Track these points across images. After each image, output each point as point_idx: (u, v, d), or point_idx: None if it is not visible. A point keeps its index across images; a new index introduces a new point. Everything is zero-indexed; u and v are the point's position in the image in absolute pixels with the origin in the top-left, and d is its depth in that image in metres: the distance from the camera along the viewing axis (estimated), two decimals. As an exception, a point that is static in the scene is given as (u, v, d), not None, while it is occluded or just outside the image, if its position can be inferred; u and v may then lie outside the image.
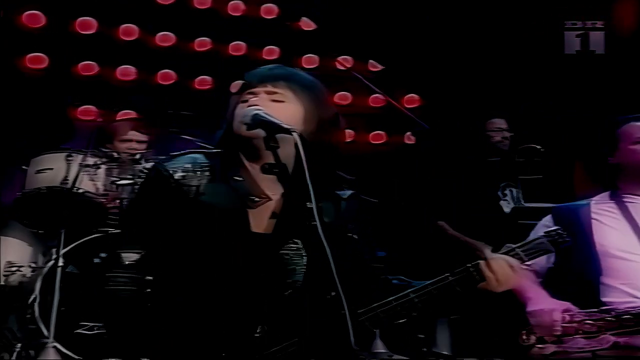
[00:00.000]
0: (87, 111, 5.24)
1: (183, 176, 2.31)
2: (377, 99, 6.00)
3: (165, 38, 5.78)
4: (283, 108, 2.32)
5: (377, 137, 6.22)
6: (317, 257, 2.19)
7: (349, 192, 2.46)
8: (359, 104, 6.11)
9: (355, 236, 2.42)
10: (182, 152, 2.42)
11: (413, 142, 6.09)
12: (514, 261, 2.43)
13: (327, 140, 2.37)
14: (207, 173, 2.33)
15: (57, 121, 5.25)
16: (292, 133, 2.19)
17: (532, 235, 2.93)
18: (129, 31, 5.67)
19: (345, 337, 2.03)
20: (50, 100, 5.26)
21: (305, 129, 2.32)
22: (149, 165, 4.53)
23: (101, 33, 5.58)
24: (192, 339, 2.26)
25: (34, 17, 5.36)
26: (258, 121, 2.25)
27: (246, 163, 2.35)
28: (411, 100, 6.09)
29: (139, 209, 2.42)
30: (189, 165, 2.34)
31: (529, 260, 2.51)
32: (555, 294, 3.21)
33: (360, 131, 6.17)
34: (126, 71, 5.68)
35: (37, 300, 4.05)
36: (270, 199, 2.34)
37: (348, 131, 6.08)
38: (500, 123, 4.97)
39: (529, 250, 2.50)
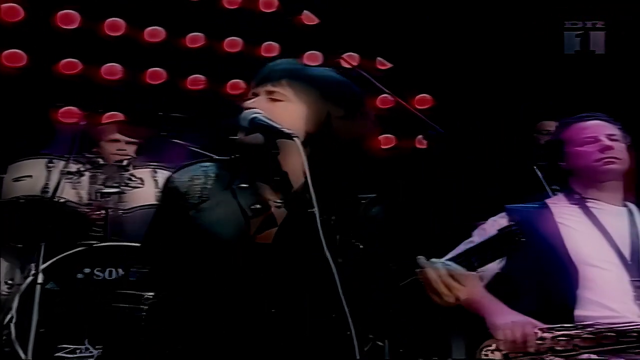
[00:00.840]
0: (69, 113, 5.22)
1: (189, 185, 2.38)
2: (385, 99, 5.97)
3: (154, 33, 5.76)
4: (281, 107, 2.35)
5: (386, 140, 6.19)
6: (320, 269, 2.19)
7: (369, 196, 2.46)
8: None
9: (360, 245, 2.41)
10: (194, 161, 2.49)
11: (425, 147, 6.07)
12: (457, 269, 2.28)
13: (342, 137, 2.38)
14: (213, 181, 2.39)
15: (36, 124, 5.23)
16: (294, 138, 2.22)
17: (478, 237, 2.94)
18: (115, 26, 5.66)
19: (350, 353, 2.06)
20: (29, 101, 5.24)
21: (311, 127, 2.35)
22: (137, 172, 4.53)
23: (85, 28, 5.56)
24: (191, 348, 2.29)
25: (12, 11, 5.34)
26: (257, 125, 2.28)
27: (251, 170, 2.39)
28: (423, 100, 6.07)
29: (156, 224, 2.47)
30: (197, 174, 2.40)
31: (480, 267, 2.34)
32: (515, 306, 3.19)
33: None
34: (112, 69, 5.66)
35: (14, 320, 4.02)
36: (274, 207, 2.36)
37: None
38: (550, 125, 5.06)
39: (480, 254, 2.33)
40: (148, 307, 2.36)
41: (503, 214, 3.33)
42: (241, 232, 2.33)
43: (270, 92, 2.38)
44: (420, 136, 6.08)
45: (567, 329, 3.06)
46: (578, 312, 3.12)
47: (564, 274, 3.17)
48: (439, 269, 2.28)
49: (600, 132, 3.37)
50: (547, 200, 3.44)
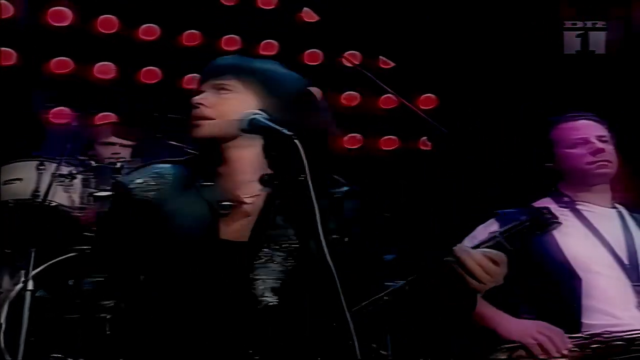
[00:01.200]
0: (60, 113, 5.20)
1: (144, 189, 2.39)
2: (388, 99, 5.97)
3: (149, 31, 5.74)
4: (230, 99, 2.38)
5: (389, 142, 6.18)
6: (309, 267, 2.23)
7: (344, 189, 2.45)
8: (368, 105, 6.07)
9: (345, 239, 2.41)
10: (146, 163, 2.50)
11: (429, 149, 6.07)
12: (493, 253, 2.32)
13: (299, 126, 2.36)
14: (172, 182, 2.40)
15: (26, 124, 5.22)
16: (295, 140, 2.21)
17: (469, 242, 2.93)
18: (108, 23, 5.64)
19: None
20: (19, 101, 5.23)
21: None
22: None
23: (77, 25, 5.54)
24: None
25: (1, 8, 5.32)
26: (256, 127, 2.28)
27: (215, 167, 2.40)
28: (427, 100, 6.05)
29: (106, 231, 2.50)
30: (152, 177, 2.42)
31: (513, 248, 2.37)
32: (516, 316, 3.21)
33: (370, 136, 6.14)
34: (105, 68, 5.64)
35: (3, 328, 4.01)
36: (245, 204, 2.37)
37: (355, 136, 6.07)
38: None
39: (514, 236, 2.38)
40: (112, 314, 2.35)
41: (492, 220, 3.32)
42: (212, 230, 2.33)
43: (216, 86, 2.41)
44: (424, 138, 6.09)
45: (577, 339, 3.06)
46: (584, 321, 3.12)
47: (567, 282, 3.17)
48: (476, 254, 2.30)
49: (590, 133, 3.36)
50: (535, 204, 3.42)
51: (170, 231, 2.33)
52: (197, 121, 2.38)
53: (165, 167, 2.47)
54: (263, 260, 2.32)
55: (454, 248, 2.33)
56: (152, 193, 2.39)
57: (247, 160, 2.38)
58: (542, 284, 3.21)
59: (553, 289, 3.18)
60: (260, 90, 2.41)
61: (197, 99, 2.41)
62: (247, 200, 2.37)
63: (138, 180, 2.42)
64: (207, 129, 2.36)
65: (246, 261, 2.32)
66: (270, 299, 2.30)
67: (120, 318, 2.37)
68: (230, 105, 2.37)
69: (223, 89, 2.40)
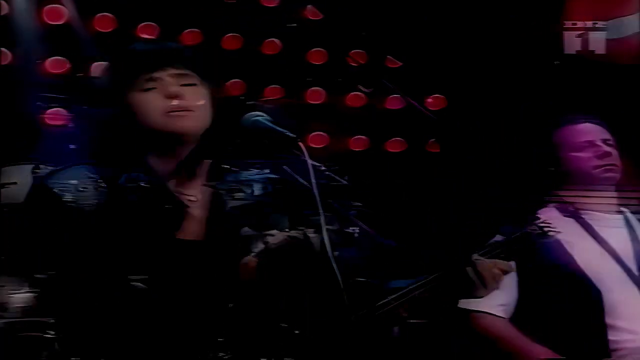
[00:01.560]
0: (56, 115, 5.18)
1: (74, 194, 2.28)
2: (395, 100, 5.94)
3: (147, 29, 5.72)
4: (198, 92, 2.35)
5: (396, 144, 6.15)
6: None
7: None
8: (374, 106, 6.05)
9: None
10: (65, 165, 2.39)
11: (437, 151, 6.06)
12: (506, 265, 2.48)
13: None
14: (103, 185, 2.31)
15: (22, 126, 5.20)
16: (299, 143, 2.23)
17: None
18: (104, 21, 5.62)
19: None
20: (13, 102, 5.21)
21: (214, 112, 2.39)
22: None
23: (74, 24, 5.52)
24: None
25: (-1, 6, 5.32)
26: (260, 129, 2.27)
27: (154, 164, 2.34)
28: (436, 101, 6.03)
29: (29, 242, 2.37)
30: (79, 180, 2.31)
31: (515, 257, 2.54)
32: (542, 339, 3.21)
33: (376, 137, 6.12)
34: (102, 68, 5.61)
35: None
36: (190, 201, 2.35)
37: (361, 137, 6.06)
38: None
39: (515, 246, 2.56)
40: (55, 331, 2.29)
41: (498, 235, 3.30)
42: (160, 230, 2.28)
43: (179, 76, 2.35)
44: (432, 140, 6.08)
45: None
46: (610, 338, 3.10)
47: (589, 299, 3.14)
48: (490, 264, 2.44)
49: (596, 136, 3.37)
50: (539, 214, 3.38)
51: (115, 235, 2.24)
52: (181, 112, 2.30)
53: (90, 168, 2.36)
54: (223, 257, 2.28)
55: (472, 256, 2.45)
56: (82, 195, 2.28)
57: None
58: (566, 302, 3.19)
59: (576, 307, 3.17)
60: (207, 84, 2.40)
61: (174, 89, 2.32)
62: (191, 198, 2.34)
63: (64, 182, 2.31)
64: (191, 121, 2.32)
65: (206, 259, 2.28)
66: (237, 296, 2.27)
67: (67, 335, 2.27)
68: (201, 98, 2.35)
69: (187, 81, 2.35)
